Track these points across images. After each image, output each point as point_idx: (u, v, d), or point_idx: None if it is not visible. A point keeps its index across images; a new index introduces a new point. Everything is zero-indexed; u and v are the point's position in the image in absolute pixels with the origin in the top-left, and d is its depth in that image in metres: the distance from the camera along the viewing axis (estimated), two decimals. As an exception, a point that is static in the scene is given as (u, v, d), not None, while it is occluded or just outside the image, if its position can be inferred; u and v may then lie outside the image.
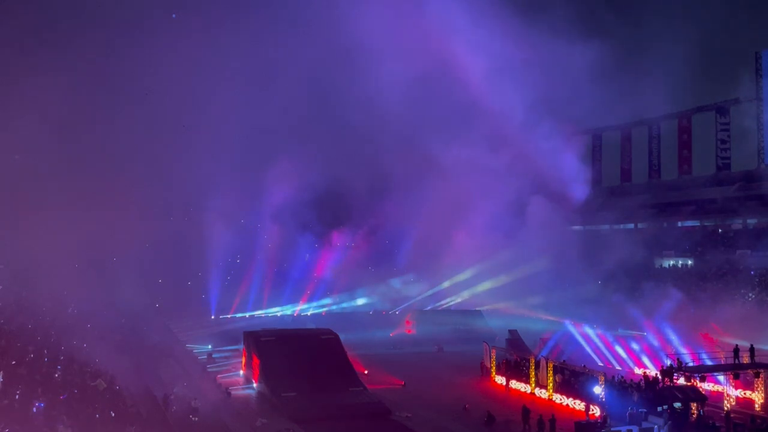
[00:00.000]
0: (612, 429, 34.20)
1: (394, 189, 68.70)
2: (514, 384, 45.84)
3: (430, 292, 78.17)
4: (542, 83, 67.36)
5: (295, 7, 59.46)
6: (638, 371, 47.35)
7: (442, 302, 78.24)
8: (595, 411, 37.21)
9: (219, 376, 47.61)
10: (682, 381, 39.08)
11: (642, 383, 40.21)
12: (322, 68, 64.29)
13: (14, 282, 48.30)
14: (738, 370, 39.96)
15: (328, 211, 76.80)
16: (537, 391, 43.98)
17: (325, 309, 76.41)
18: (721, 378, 40.40)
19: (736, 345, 42.50)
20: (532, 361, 45.42)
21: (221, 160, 63.77)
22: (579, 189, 76.49)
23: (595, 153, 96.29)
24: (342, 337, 47.69)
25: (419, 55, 64.90)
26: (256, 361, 44.34)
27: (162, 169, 59.16)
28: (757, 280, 65.81)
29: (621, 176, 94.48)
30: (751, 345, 41.72)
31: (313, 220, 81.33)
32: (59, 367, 31.39)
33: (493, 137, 67.03)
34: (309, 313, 75.36)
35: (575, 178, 75.92)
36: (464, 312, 73.97)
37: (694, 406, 37.09)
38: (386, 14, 60.16)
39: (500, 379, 47.61)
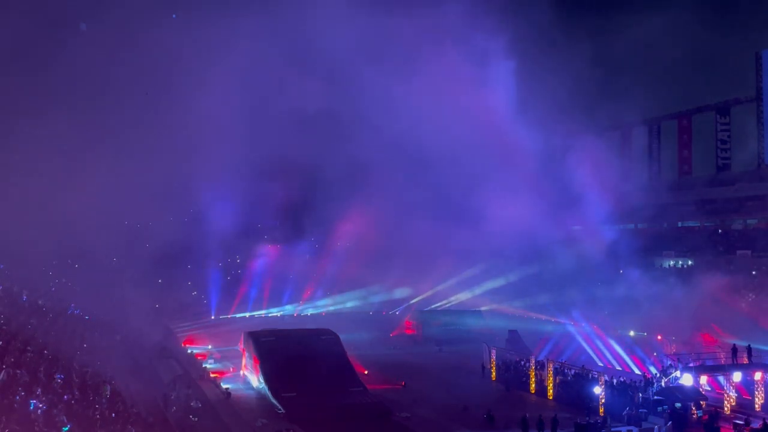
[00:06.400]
0: (612, 429, 34.22)
1: (391, 189, 68.57)
2: (514, 384, 45.79)
3: (429, 293, 78.19)
4: (541, 84, 67.28)
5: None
6: (638, 371, 47.30)
7: (442, 302, 78.25)
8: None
9: (219, 376, 47.62)
10: (682, 381, 39.06)
11: (642, 383, 40.15)
12: (318, 70, 64.38)
13: (14, 282, 48.28)
14: (738, 370, 39.99)
15: (327, 212, 76.71)
16: (537, 391, 43.97)
17: (324, 310, 76.55)
18: (721, 378, 40.38)
19: (734, 345, 42.50)
20: (533, 361, 45.44)
21: (220, 160, 63.73)
22: (579, 189, 76.36)
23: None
24: (342, 337, 47.70)
25: (410, 59, 65.07)
26: (256, 361, 44.32)
27: (162, 169, 59.13)
28: (757, 280, 65.80)
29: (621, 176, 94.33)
30: (749, 345, 41.74)
31: (311, 221, 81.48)
32: (59, 367, 31.36)
33: (491, 137, 66.86)
34: (309, 313, 75.45)
35: (575, 178, 75.79)
36: (464, 312, 73.99)
37: (694, 406, 37.10)
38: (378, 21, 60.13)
39: (500, 380, 47.58)
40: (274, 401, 39.71)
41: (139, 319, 59.65)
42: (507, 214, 64.23)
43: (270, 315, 73.85)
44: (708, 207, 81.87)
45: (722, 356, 42.17)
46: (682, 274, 73.44)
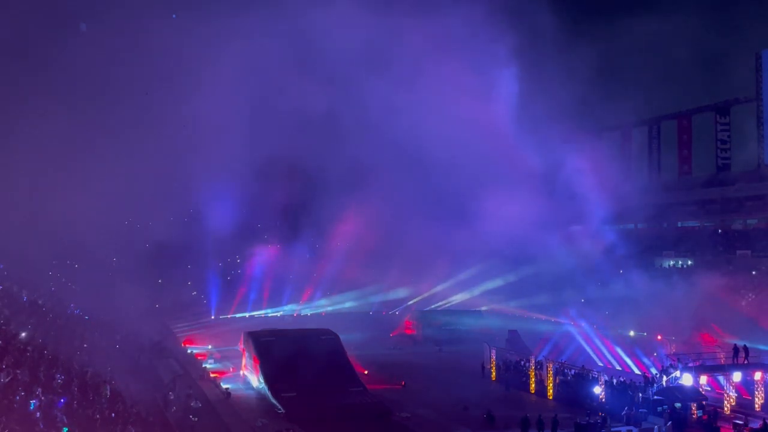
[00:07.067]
0: (612, 429, 34.22)
1: (391, 190, 68.60)
2: (514, 384, 45.79)
3: (429, 293, 78.22)
4: (541, 85, 67.31)
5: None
6: (638, 371, 47.30)
7: (442, 302, 78.27)
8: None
9: (219, 376, 47.62)
10: (682, 381, 39.04)
11: (642, 383, 40.14)
12: (317, 71, 64.33)
13: (14, 282, 48.27)
14: (738, 369, 39.98)
15: (327, 213, 76.75)
16: (537, 391, 43.97)
17: (324, 310, 76.58)
18: (721, 378, 40.37)
19: (735, 345, 42.49)
20: (533, 361, 45.44)
21: (220, 160, 63.74)
22: (579, 189, 76.42)
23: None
24: (342, 337, 47.70)
25: (409, 61, 65.14)
26: (256, 361, 44.32)
27: (162, 169, 59.16)
28: (757, 280, 65.82)
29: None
30: (745, 345, 41.77)
31: (311, 222, 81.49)
32: (59, 367, 31.38)
33: (489, 138, 66.85)
34: (308, 314, 75.50)
35: (575, 178, 75.89)
36: (464, 312, 74.01)
37: (694, 406, 37.10)
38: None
39: (500, 380, 47.59)
40: (274, 401, 39.72)
41: (139, 319, 59.70)
42: (506, 215, 64.27)
43: (270, 315, 73.87)
44: (708, 207, 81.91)
45: (722, 356, 42.17)
46: (682, 274, 73.47)
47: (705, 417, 36.29)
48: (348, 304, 78.15)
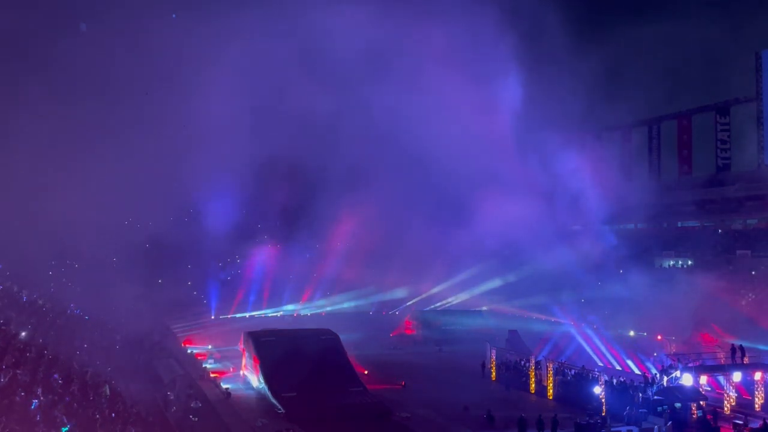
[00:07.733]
0: (612, 429, 34.21)
1: (391, 191, 68.57)
2: (514, 384, 45.79)
3: (429, 293, 78.19)
4: (541, 84, 67.33)
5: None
6: (638, 371, 47.30)
7: (442, 302, 78.27)
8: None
9: (219, 376, 47.62)
10: (682, 381, 39.03)
11: (642, 383, 40.13)
12: (317, 71, 64.30)
13: (14, 282, 48.27)
14: (738, 369, 39.98)
15: (327, 213, 76.76)
16: (537, 391, 43.97)
17: (324, 310, 76.59)
18: (721, 378, 40.37)
19: (733, 344, 42.52)
20: (533, 361, 45.44)
21: (221, 160, 63.71)
22: (579, 189, 76.46)
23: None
24: (342, 337, 47.70)
25: (407, 61, 65.16)
26: (256, 361, 44.32)
27: (162, 169, 59.11)
28: (757, 280, 65.82)
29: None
30: (741, 345, 41.80)
31: (311, 222, 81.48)
32: (59, 367, 31.37)
33: (490, 138, 66.83)
34: (308, 314, 75.50)
35: (575, 178, 75.90)
36: (464, 312, 74.02)
37: (694, 406, 37.10)
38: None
39: (500, 380, 47.59)
40: (274, 401, 39.73)
41: (139, 319, 59.63)
42: (507, 215, 64.30)
43: (269, 315, 73.86)
44: (708, 207, 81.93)
45: (722, 356, 42.18)
46: (682, 274, 73.51)
47: (705, 417, 36.26)
48: (347, 304, 78.13)
